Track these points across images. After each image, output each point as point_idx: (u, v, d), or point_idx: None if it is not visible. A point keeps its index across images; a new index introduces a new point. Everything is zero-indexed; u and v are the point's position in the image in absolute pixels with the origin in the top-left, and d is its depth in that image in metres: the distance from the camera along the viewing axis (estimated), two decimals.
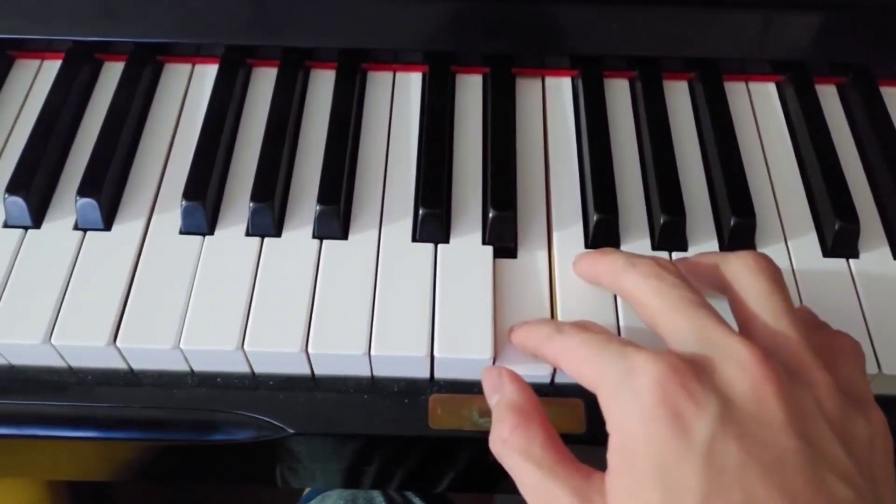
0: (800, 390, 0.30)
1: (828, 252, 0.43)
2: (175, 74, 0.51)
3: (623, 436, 0.30)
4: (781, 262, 0.43)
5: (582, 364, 0.33)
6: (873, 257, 0.43)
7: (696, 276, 0.38)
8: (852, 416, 0.31)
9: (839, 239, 0.43)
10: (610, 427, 0.31)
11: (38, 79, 0.51)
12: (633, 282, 0.35)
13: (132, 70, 0.49)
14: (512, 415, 0.34)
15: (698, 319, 0.32)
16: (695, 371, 0.30)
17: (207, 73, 0.51)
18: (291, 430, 0.40)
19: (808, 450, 0.28)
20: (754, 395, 0.29)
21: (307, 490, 0.64)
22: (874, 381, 0.40)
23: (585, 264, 0.40)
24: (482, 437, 0.39)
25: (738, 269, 0.35)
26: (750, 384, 0.29)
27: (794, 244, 0.44)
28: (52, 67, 0.50)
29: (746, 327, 0.34)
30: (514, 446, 0.33)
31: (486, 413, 0.40)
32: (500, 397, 0.35)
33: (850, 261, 0.43)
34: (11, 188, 0.43)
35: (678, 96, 0.50)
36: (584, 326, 0.35)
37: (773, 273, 0.34)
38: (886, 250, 0.44)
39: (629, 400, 0.30)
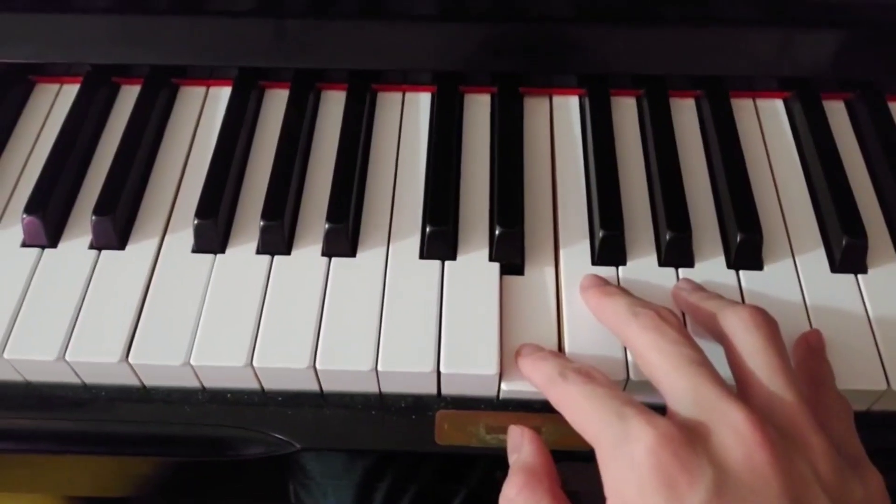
0: (795, 455, 0.30)
1: (836, 268, 0.43)
2: (190, 97, 0.52)
3: (620, 502, 0.30)
4: (789, 277, 0.43)
5: (581, 418, 0.33)
6: (882, 272, 0.43)
7: (696, 319, 0.38)
8: (849, 479, 0.30)
9: (847, 254, 0.43)
10: (607, 491, 0.31)
11: (57, 102, 0.52)
12: (633, 334, 0.35)
13: (148, 93, 0.50)
14: (521, 476, 0.34)
15: (695, 380, 0.32)
16: (689, 439, 0.30)
17: (221, 96, 0.52)
18: (299, 445, 0.40)
19: None
20: (748, 462, 0.29)
21: None
22: (883, 397, 0.39)
23: (592, 302, 0.40)
24: (489, 454, 0.40)
25: (734, 323, 0.35)
26: (744, 451, 0.29)
27: (802, 260, 0.44)
28: (71, 91, 0.52)
29: (742, 385, 0.34)
30: None
31: (493, 429, 0.40)
32: (517, 457, 0.35)
33: (859, 276, 0.43)
34: (29, 208, 0.44)
35: (685, 113, 0.51)
36: (588, 375, 0.34)
37: (769, 329, 0.34)
38: (895, 266, 0.44)
39: (625, 465, 0.30)
